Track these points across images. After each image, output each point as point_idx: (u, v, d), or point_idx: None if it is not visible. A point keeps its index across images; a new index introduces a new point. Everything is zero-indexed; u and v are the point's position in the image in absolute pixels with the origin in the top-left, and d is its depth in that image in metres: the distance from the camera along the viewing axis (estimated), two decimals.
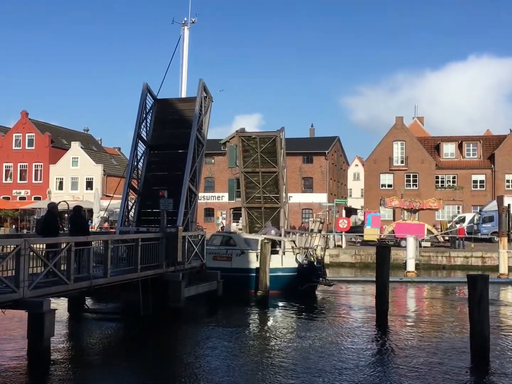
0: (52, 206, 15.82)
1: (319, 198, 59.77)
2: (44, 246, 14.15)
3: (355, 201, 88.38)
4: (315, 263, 24.50)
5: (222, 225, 50.59)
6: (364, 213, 50.36)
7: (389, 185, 58.12)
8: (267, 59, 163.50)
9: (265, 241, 22.56)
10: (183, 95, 28.27)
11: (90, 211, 45.00)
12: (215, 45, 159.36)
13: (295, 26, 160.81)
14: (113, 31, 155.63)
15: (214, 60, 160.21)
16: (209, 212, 62.90)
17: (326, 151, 61.26)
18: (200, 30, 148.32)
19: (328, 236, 39.60)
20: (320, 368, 12.54)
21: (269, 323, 18.60)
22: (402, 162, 58.27)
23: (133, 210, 21.90)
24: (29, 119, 63.53)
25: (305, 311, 21.03)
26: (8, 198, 61.94)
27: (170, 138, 22.51)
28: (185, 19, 28.95)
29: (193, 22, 28.79)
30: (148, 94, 22.41)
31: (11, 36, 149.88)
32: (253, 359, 13.43)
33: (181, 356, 13.83)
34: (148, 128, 22.57)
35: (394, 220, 50.66)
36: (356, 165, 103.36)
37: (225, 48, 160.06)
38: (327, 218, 57.47)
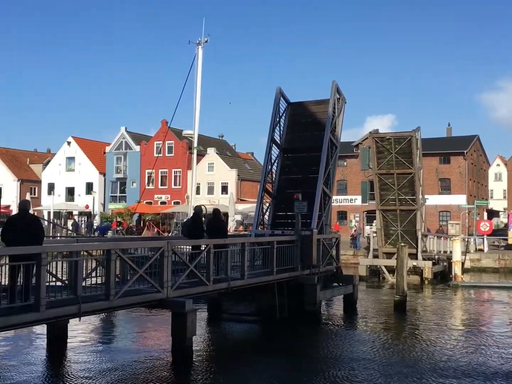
0: (198, 209, 16.39)
1: (458, 200, 57.13)
2: (190, 248, 14.74)
3: (497, 202, 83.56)
4: None
5: (355, 228, 49.93)
6: (508, 215, 47.36)
7: None
8: (399, 57, 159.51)
9: (402, 244, 21.90)
10: (197, 112, 30.17)
11: (226, 215, 46.29)
12: (351, 47, 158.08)
13: (429, 20, 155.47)
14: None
15: (348, 60, 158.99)
16: (342, 215, 62.36)
17: (465, 151, 58.46)
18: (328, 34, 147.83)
19: (468, 239, 37.75)
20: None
21: (408, 328, 17.94)
22: None
23: (267, 213, 22.20)
24: (169, 127, 66.64)
25: (445, 317, 20.11)
26: (150, 203, 65.40)
27: (304, 141, 22.56)
28: (199, 39, 30.91)
29: (206, 42, 30.83)
30: (281, 98, 22.64)
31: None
32: (396, 366, 13.00)
33: (316, 360, 13.71)
34: (281, 131, 22.79)
35: None
36: (498, 164, 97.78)
37: (360, 48, 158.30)
38: (467, 221, 54.80)
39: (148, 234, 47.85)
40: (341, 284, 20.87)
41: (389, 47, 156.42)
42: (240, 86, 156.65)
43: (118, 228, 52.01)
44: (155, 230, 51.47)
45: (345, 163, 61.86)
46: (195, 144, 32.35)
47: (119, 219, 57.82)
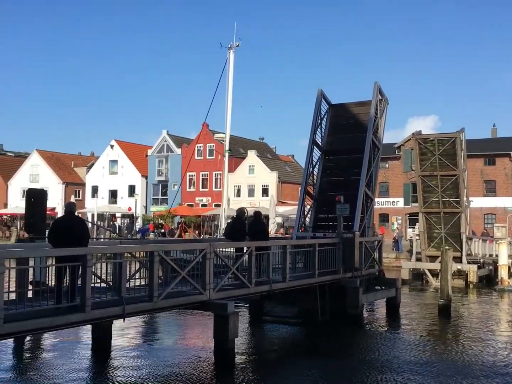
0: (240, 211, 16.41)
1: (503, 202, 55.82)
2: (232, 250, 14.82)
3: None
4: None
5: (397, 231, 49.31)
6: None
7: None
8: (442, 56, 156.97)
9: (446, 247, 21.51)
10: (229, 114, 30.81)
11: (266, 217, 46.34)
12: (392, 47, 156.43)
13: (472, 19, 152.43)
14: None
15: (389, 60, 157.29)
16: (384, 218, 61.63)
17: (511, 152, 57.12)
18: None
19: None
20: None
21: (454, 333, 17.58)
22: None
23: (309, 215, 22.11)
24: (209, 130, 67.18)
25: (491, 322, 19.64)
26: (191, 205, 65.91)
27: (345, 143, 22.44)
28: (231, 43, 31.89)
29: (237, 46, 31.85)
30: (322, 100, 22.54)
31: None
32: (448, 371, 12.70)
33: (360, 363, 13.54)
34: (323, 133, 22.69)
35: None
36: None
37: (401, 48, 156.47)
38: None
39: (181, 237, 48.41)
40: (383, 287, 20.61)
41: (431, 46, 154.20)
42: (280, 88, 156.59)
43: (155, 231, 52.73)
44: (190, 232, 51.81)
45: (387, 165, 61.13)
46: (227, 147, 32.86)
47: (161, 221, 58.43)
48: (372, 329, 18.16)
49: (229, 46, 31.60)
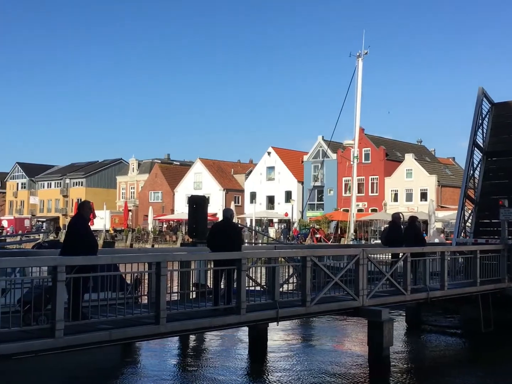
0: (396, 217, 16.08)
1: None
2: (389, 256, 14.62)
3: None
4: None
5: None
6: None
7: None
8: None
9: None
10: (358, 120, 30.22)
11: (425, 222, 44.80)
12: None
13: None
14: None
15: None
16: None
17: None
18: None
19: None
20: None
21: None
22: None
23: (469, 220, 21.08)
24: (365, 134, 66.46)
25: None
26: (347, 211, 65.58)
27: (510, 144, 21.09)
28: (359, 51, 33.03)
29: (366, 54, 32.99)
30: (484, 99, 21.40)
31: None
32: None
33: None
34: (484, 134, 21.53)
35: None
36: None
37: None
38: None
39: (312, 242, 48.85)
40: None
41: None
42: (438, 89, 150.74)
43: (298, 235, 53.69)
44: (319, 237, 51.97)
45: None
46: (355, 153, 32.75)
47: (316, 227, 58.87)
48: None
49: (357, 54, 32.06)
